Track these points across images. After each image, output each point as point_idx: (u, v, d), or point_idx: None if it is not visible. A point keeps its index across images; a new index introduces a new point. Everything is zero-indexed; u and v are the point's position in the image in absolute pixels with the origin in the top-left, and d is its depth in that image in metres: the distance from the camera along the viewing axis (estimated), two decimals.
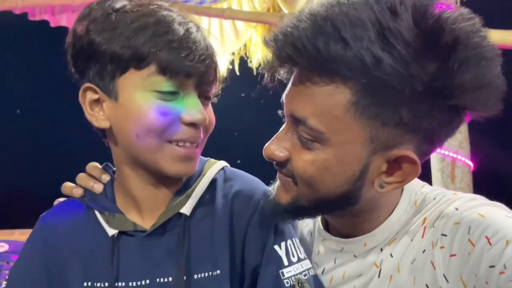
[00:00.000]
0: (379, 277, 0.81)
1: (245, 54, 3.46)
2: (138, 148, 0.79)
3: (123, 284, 0.82)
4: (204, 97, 0.82)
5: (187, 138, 0.79)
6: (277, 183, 0.84)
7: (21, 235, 3.18)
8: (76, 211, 0.88)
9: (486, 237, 0.69)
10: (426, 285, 0.76)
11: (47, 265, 0.85)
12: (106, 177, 0.90)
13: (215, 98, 0.86)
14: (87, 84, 0.80)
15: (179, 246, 0.82)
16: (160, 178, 0.84)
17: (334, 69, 0.69)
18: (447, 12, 0.70)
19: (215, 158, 0.92)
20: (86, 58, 0.79)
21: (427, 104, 0.70)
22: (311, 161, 0.75)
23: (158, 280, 0.82)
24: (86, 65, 0.80)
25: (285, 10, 3.13)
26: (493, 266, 0.67)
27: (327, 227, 0.91)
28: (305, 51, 0.69)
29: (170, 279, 0.81)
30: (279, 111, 0.82)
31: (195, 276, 0.81)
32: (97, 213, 0.86)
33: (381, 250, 0.83)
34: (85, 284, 0.83)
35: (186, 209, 0.83)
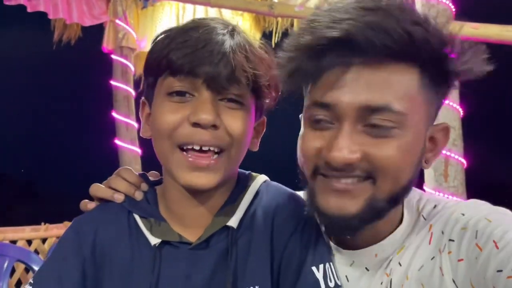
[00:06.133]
0: (391, 287, 0.81)
1: None
2: (158, 155, 0.81)
3: None
4: (227, 99, 0.78)
5: (194, 140, 0.76)
6: (332, 195, 0.77)
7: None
8: (118, 217, 0.84)
9: (494, 241, 0.69)
10: None
11: (83, 270, 0.81)
12: (145, 186, 0.88)
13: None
14: (142, 99, 0.86)
15: (225, 261, 0.78)
16: (199, 192, 0.81)
17: (420, 51, 0.71)
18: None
19: None
20: (143, 73, 0.86)
21: (451, 79, 0.76)
22: (396, 147, 0.73)
23: None
24: (144, 80, 0.86)
25: None
26: (501, 271, 0.66)
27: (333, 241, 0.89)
28: (397, 35, 0.69)
29: None
30: (317, 116, 0.76)
31: None
32: (138, 220, 0.83)
33: (391, 260, 0.82)
34: None
35: (234, 222, 0.83)
